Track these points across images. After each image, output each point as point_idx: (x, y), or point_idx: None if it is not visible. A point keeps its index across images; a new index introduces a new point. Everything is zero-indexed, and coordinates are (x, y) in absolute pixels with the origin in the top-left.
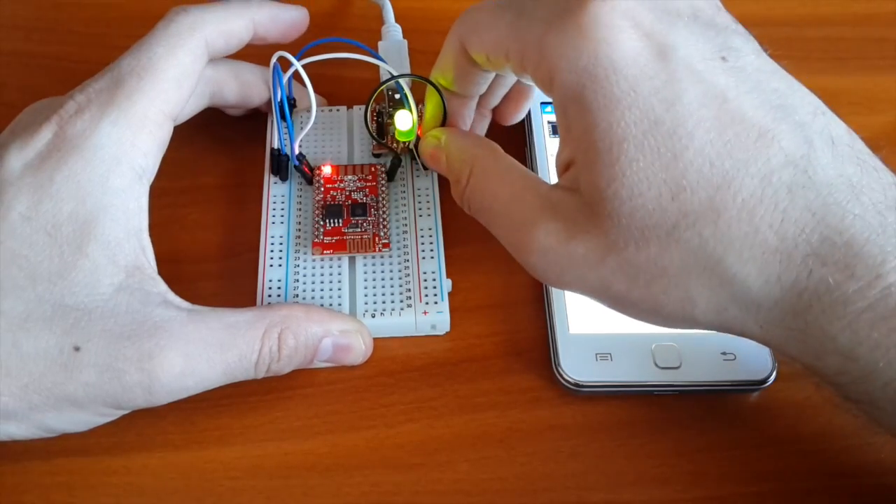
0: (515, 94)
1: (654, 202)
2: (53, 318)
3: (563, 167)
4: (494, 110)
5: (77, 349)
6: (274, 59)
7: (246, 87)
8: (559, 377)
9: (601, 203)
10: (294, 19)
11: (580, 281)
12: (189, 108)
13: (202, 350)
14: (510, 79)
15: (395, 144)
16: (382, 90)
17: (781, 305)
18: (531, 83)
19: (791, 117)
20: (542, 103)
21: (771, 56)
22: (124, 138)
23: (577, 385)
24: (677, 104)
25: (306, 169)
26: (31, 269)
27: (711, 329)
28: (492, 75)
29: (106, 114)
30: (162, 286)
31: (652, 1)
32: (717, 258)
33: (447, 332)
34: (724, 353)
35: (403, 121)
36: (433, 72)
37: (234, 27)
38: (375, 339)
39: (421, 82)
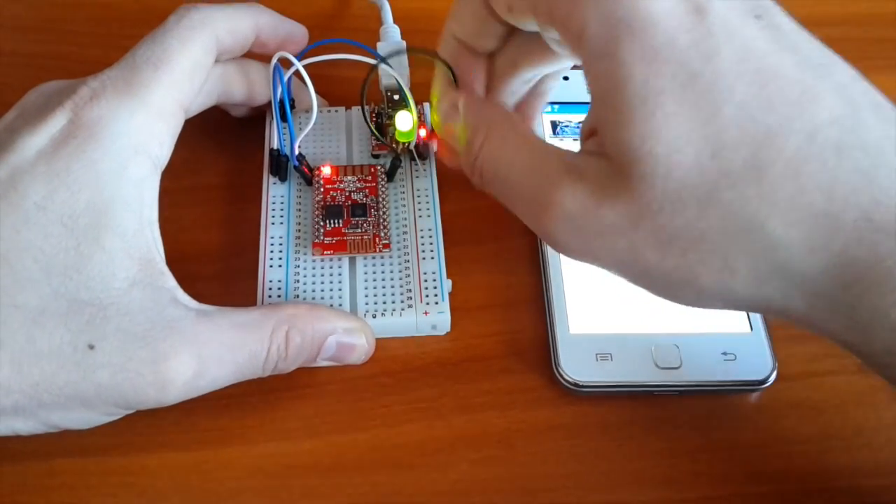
0: (529, 100)
1: (693, 161)
2: (68, 314)
3: (589, 132)
4: None
5: (91, 347)
6: (275, 59)
7: (253, 85)
8: (559, 377)
9: (635, 164)
10: (293, 33)
11: (608, 251)
12: (198, 103)
13: (214, 351)
14: (526, 77)
15: (394, 145)
16: (382, 93)
17: (828, 276)
18: (555, 40)
19: (832, 77)
20: None
21: None
22: (142, 127)
23: (577, 385)
24: (716, 58)
25: (306, 169)
26: (46, 261)
27: (749, 308)
28: (507, 30)
29: (123, 101)
30: (171, 282)
31: None
32: (761, 221)
33: (447, 332)
34: (724, 354)
35: (404, 121)
36: (448, 21)
37: (240, 26)
38: (376, 340)
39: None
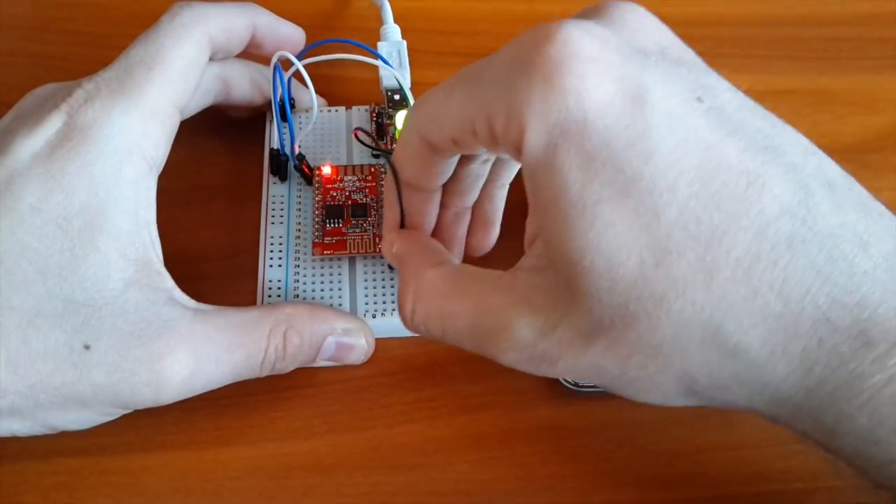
0: (481, 222)
1: (636, 272)
2: (64, 315)
3: (531, 240)
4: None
5: (87, 347)
6: (275, 59)
7: (252, 85)
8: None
9: (577, 279)
10: (291, 35)
11: (572, 369)
12: (195, 103)
13: (210, 350)
14: (484, 169)
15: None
16: (382, 93)
17: (790, 382)
18: (507, 156)
19: (781, 159)
20: None
21: (768, 57)
22: (136, 128)
23: (577, 385)
24: (655, 155)
25: (306, 169)
26: (41, 262)
27: (718, 406)
28: (456, 157)
29: (117, 103)
30: (169, 282)
31: (617, 38)
32: (715, 328)
33: None
34: None
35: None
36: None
37: (235, 25)
38: (376, 340)
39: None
